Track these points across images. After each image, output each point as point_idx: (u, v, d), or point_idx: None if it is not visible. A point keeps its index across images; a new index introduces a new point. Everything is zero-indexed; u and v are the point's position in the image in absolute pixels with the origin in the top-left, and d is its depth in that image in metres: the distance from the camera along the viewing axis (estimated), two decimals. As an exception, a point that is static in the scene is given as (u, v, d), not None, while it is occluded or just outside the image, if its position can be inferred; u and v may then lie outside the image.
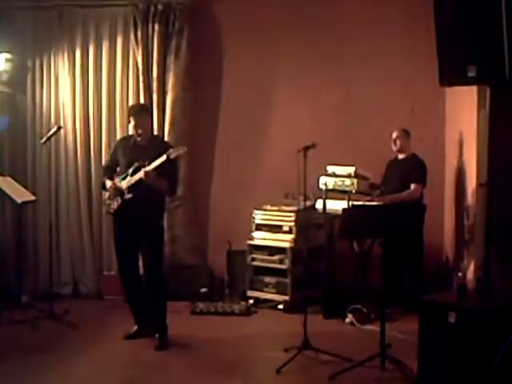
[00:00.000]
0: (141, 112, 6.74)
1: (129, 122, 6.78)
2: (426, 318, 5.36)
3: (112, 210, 6.70)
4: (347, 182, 7.54)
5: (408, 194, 7.50)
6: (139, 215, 6.52)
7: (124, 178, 6.54)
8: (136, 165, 6.43)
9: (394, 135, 7.82)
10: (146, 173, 6.27)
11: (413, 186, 7.56)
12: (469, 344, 4.95)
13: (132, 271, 6.79)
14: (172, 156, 6.25)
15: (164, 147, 6.51)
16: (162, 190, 6.60)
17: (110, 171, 6.85)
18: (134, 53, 8.62)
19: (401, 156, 7.86)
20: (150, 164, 6.29)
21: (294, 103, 8.72)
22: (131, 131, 6.71)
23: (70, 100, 8.72)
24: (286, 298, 7.96)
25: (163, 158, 6.21)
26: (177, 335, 6.77)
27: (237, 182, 8.80)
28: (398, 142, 7.80)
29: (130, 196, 6.46)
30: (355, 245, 7.79)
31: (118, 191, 6.57)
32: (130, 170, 6.47)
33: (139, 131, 6.60)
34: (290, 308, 7.87)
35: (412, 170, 7.66)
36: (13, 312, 7.56)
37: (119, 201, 6.57)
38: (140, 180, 6.36)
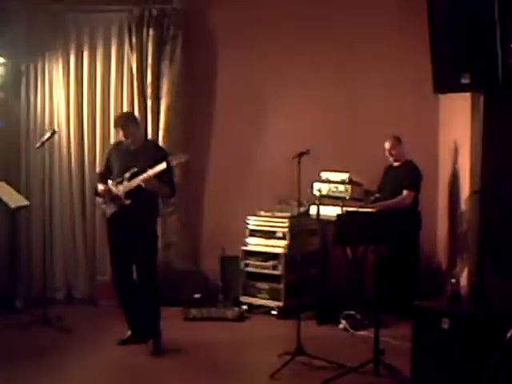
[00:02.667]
0: (125, 122, 6.71)
1: (117, 132, 6.81)
2: (419, 324, 5.38)
3: (108, 215, 6.70)
4: (341, 188, 7.56)
5: (399, 200, 7.51)
6: (133, 220, 6.52)
7: (120, 183, 6.54)
8: (133, 170, 6.42)
9: (388, 146, 7.81)
10: (147, 179, 6.27)
11: (405, 192, 7.57)
12: (462, 350, 4.97)
13: (126, 276, 6.78)
14: (172, 164, 6.27)
15: (159, 153, 6.58)
16: (164, 194, 6.63)
17: (105, 177, 6.84)
18: (128, 58, 8.62)
19: (396, 163, 7.87)
20: (147, 170, 6.30)
21: (288, 109, 8.73)
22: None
23: (64, 105, 8.72)
24: (280, 303, 7.96)
25: (163, 165, 6.20)
26: (170, 341, 6.76)
27: (230, 187, 8.80)
28: (393, 153, 7.79)
29: (128, 202, 6.46)
30: (349, 251, 7.80)
31: (114, 196, 6.57)
32: (127, 175, 6.46)
33: (129, 140, 6.63)
34: (283, 314, 7.87)
35: (405, 176, 7.67)
36: (6, 317, 7.57)
37: (115, 206, 6.57)
38: (138, 186, 6.36)
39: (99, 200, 6.88)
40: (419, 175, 7.68)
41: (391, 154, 7.82)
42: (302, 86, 8.68)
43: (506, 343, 4.24)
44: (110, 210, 6.65)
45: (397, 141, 7.81)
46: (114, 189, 6.57)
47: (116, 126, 6.84)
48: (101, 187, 6.71)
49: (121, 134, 6.68)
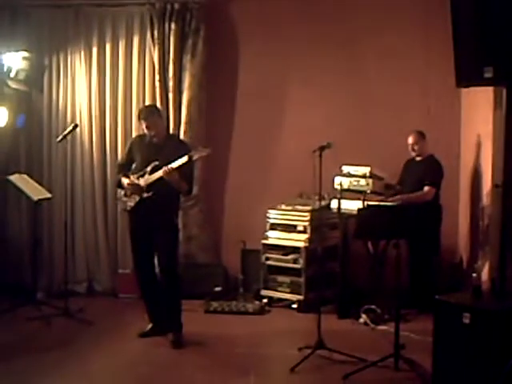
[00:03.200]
0: (150, 114, 6.74)
1: (140, 124, 6.83)
2: (440, 319, 5.36)
3: (129, 208, 6.73)
4: (362, 182, 7.55)
5: (420, 196, 7.48)
6: (155, 213, 6.55)
7: (141, 176, 6.56)
8: (155, 164, 6.45)
9: (411, 141, 7.78)
10: (169, 171, 6.29)
11: (426, 188, 7.53)
12: (483, 345, 4.94)
13: (147, 269, 6.81)
14: (194, 157, 6.28)
15: (182, 147, 6.60)
16: (181, 189, 6.63)
17: (125, 169, 6.89)
18: (150, 52, 8.64)
19: (418, 158, 7.83)
20: (169, 163, 6.31)
21: (310, 102, 8.72)
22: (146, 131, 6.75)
23: (86, 98, 8.76)
24: (300, 297, 7.96)
25: (185, 158, 6.22)
26: (191, 333, 6.78)
27: (252, 181, 8.81)
28: (416, 148, 7.76)
29: (149, 194, 6.49)
30: (370, 245, 7.79)
31: (136, 189, 6.60)
32: (149, 169, 6.50)
33: (152, 132, 6.65)
34: (303, 307, 7.87)
35: (427, 171, 7.64)
36: (28, 309, 7.61)
37: (137, 199, 6.60)
38: (159, 178, 6.39)
39: (121, 192, 6.89)
40: (441, 171, 7.64)
41: (413, 149, 7.79)
42: (325, 80, 8.66)
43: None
44: (131, 202, 6.68)
45: (420, 136, 7.77)
46: (136, 181, 6.60)
47: (139, 117, 6.85)
48: (126, 181, 6.74)
49: (144, 125, 6.70)
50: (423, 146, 7.77)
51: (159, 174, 6.38)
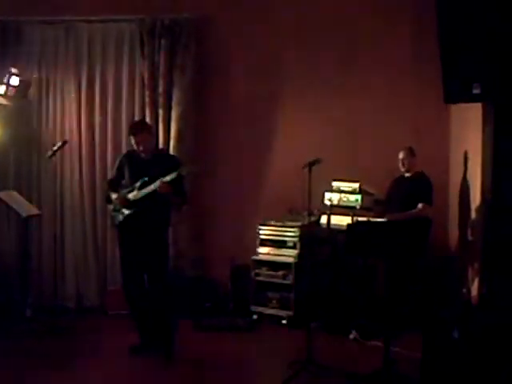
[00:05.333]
0: (140, 130, 6.74)
1: (131, 140, 6.82)
2: (429, 334, 5.36)
3: (117, 223, 6.72)
4: (352, 197, 7.56)
5: (418, 213, 7.44)
6: (144, 228, 6.55)
7: (130, 192, 6.56)
8: (144, 179, 6.46)
9: (401, 156, 7.78)
10: (163, 184, 6.31)
11: (421, 205, 7.49)
12: (472, 360, 4.95)
13: (137, 284, 6.77)
14: (183, 173, 6.31)
15: (171, 162, 6.60)
16: (175, 202, 6.63)
17: (115, 185, 6.88)
18: (139, 67, 8.65)
19: (407, 174, 7.84)
20: (158, 179, 6.34)
21: (300, 119, 8.73)
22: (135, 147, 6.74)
23: (76, 114, 8.75)
24: (290, 313, 7.96)
25: (174, 175, 6.26)
26: (181, 350, 6.74)
27: (241, 197, 8.80)
28: (405, 163, 7.76)
29: (136, 210, 6.49)
30: (360, 260, 7.78)
31: (124, 204, 6.60)
32: (138, 184, 6.51)
33: (141, 148, 6.64)
34: (293, 323, 7.87)
35: (420, 189, 7.61)
36: (17, 326, 7.57)
37: (125, 213, 6.59)
38: (148, 194, 6.39)
39: (110, 207, 6.88)
40: (431, 187, 7.64)
41: (403, 164, 7.79)
42: (315, 97, 8.66)
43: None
44: (119, 217, 6.68)
45: (410, 152, 7.77)
46: (125, 197, 6.60)
47: (130, 133, 6.85)
48: (115, 196, 6.74)
49: (133, 141, 6.69)
50: (412, 161, 7.78)
51: (150, 188, 6.40)
